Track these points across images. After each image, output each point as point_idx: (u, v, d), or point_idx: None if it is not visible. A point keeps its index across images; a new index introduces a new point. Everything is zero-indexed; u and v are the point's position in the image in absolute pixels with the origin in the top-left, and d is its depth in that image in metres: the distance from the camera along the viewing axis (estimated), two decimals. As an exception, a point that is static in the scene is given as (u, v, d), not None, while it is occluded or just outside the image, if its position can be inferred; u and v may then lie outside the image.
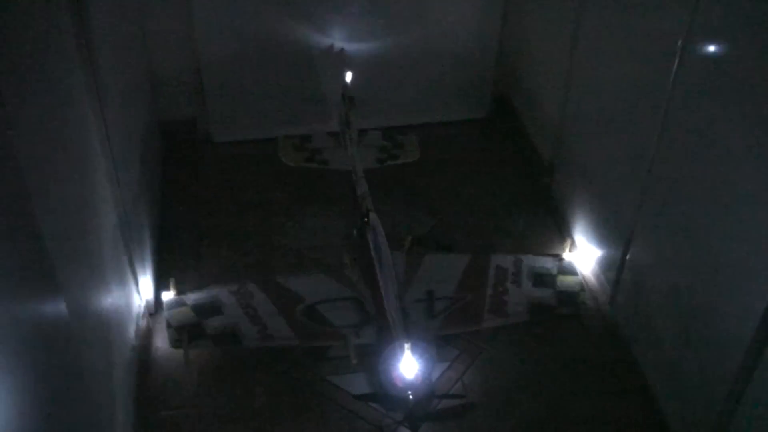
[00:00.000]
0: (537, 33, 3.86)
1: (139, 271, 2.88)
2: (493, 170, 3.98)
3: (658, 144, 2.58)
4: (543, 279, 3.20)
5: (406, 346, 2.60)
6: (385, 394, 2.74)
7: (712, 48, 2.27)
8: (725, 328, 2.24)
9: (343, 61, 3.86)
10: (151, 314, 3.05)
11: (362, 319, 2.98)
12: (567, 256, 3.31)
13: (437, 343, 2.93)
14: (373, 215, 3.07)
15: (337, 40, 3.91)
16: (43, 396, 1.52)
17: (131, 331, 2.72)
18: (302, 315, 2.99)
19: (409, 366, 2.61)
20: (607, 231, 3.09)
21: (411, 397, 2.66)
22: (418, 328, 2.92)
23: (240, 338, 2.88)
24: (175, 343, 2.86)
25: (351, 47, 3.93)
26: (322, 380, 2.83)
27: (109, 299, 2.40)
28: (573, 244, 3.38)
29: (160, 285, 3.14)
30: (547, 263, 3.27)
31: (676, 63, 2.42)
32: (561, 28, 3.44)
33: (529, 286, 3.16)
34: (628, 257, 2.89)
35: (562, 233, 3.51)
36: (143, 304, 2.98)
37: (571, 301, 3.12)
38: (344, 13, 3.85)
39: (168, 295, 3.04)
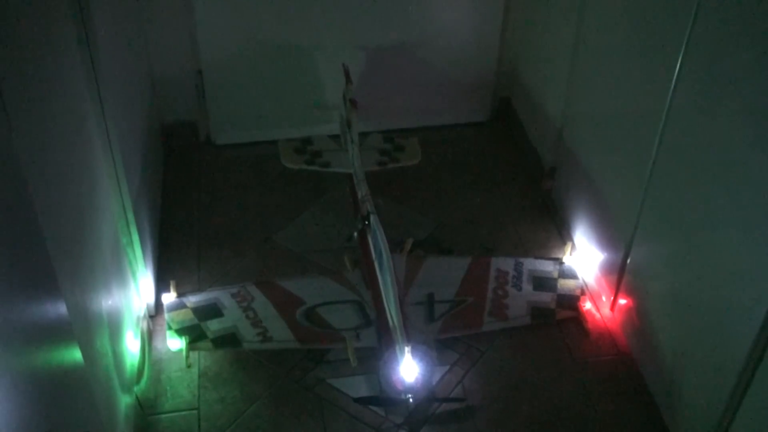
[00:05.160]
0: (538, 36, 3.87)
1: (139, 272, 2.88)
2: (494, 173, 3.98)
3: (659, 147, 2.58)
4: (543, 282, 3.19)
5: (407, 349, 2.60)
6: (385, 398, 2.74)
7: (713, 50, 2.27)
8: (727, 332, 2.24)
9: (344, 63, 3.86)
10: (151, 316, 3.05)
11: (362, 321, 2.98)
12: (567, 259, 3.30)
13: (437, 346, 2.92)
14: (373, 218, 3.07)
15: (338, 42, 3.92)
16: (43, 398, 1.52)
17: (131, 332, 2.71)
18: (302, 317, 2.99)
19: (409, 369, 2.61)
20: (607, 234, 3.09)
21: (411, 400, 2.66)
22: (418, 332, 2.92)
23: (240, 340, 2.88)
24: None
25: (352, 50, 3.94)
26: (322, 383, 2.83)
27: (110, 301, 2.40)
28: (574, 247, 3.38)
29: (160, 287, 3.14)
30: (548, 266, 3.27)
31: (677, 65, 2.42)
32: (562, 31, 3.44)
33: (529, 289, 3.16)
34: (628, 261, 2.89)
35: (563, 236, 3.51)
36: (144, 305, 2.98)
37: (571, 304, 3.12)
38: (345, 15, 3.85)
39: (168, 297, 3.04)
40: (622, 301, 2.99)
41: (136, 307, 2.87)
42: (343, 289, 3.13)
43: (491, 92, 4.31)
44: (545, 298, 3.13)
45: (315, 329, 2.95)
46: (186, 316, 2.96)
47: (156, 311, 3.08)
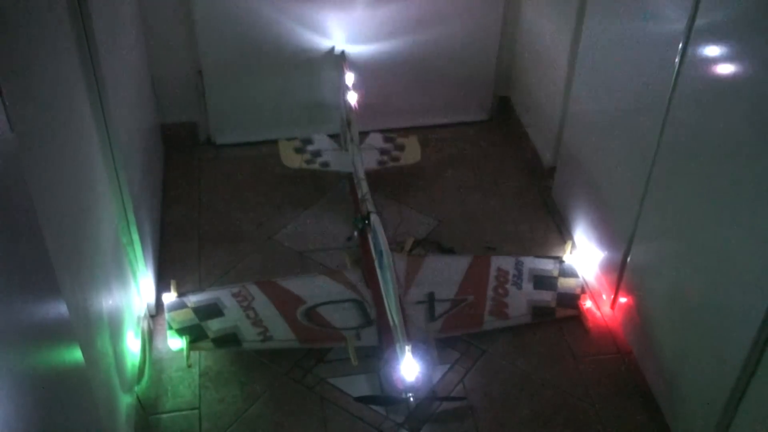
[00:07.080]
0: (538, 35, 3.87)
1: (139, 272, 2.88)
2: (493, 172, 3.98)
3: (659, 145, 2.58)
4: (544, 281, 3.19)
5: (407, 348, 2.60)
6: (386, 397, 2.74)
7: (713, 49, 2.27)
8: (727, 329, 2.24)
9: (343, 62, 3.86)
10: (152, 316, 3.06)
11: (363, 321, 2.98)
12: (568, 258, 3.30)
13: (438, 345, 2.92)
14: (374, 217, 3.07)
15: (338, 42, 3.92)
16: (43, 398, 1.52)
17: (132, 332, 2.71)
18: (303, 317, 2.99)
19: (410, 368, 2.61)
20: (608, 233, 3.09)
21: (412, 399, 2.66)
22: (418, 330, 2.92)
23: (241, 340, 2.88)
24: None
25: (352, 50, 3.94)
26: (323, 382, 2.83)
27: (110, 301, 2.40)
28: (574, 245, 3.38)
29: (161, 287, 3.14)
30: (548, 265, 3.27)
31: (677, 64, 2.42)
32: (562, 30, 3.44)
33: (530, 288, 3.16)
34: (629, 259, 2.89)
35: (563, 235, 3.51)
36: (144, 305, 2.98)
37: (572, 303, 3.12)
38: (345, 15, 3.85)
39: (169, 297, 3.04)
40: (622, 300, 2.99)
41: (137, 307, 2.88)
42: (343, 288, 3.13)
43: (491, 91, 4.31)
44: (545, 296, 3.13)
45: (316, 328, 2.95)
46: (186, 315, 2.96)
47: (156, 311, 3.08)
